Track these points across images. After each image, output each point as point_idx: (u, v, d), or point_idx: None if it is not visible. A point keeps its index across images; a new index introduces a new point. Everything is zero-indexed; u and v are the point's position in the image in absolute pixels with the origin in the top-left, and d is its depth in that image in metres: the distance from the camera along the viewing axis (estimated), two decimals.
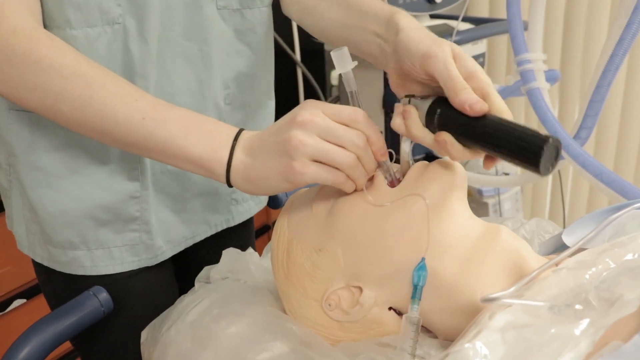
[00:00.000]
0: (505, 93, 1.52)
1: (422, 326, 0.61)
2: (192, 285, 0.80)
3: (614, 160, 2.08)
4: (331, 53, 0.60)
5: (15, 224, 0.84)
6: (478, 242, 0.58)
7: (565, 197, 2.08)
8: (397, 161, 0.63)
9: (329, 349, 0.58)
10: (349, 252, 0.60)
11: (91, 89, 0.64)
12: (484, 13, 2.12)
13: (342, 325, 0.61)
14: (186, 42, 0.79)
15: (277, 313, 0.65)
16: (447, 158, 0.59)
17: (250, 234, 1.07)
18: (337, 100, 1.91)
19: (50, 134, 0.75)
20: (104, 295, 0.78)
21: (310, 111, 0.58)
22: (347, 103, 0.62)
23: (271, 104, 0.97)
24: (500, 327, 0.47)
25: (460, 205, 0.60)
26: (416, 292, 0.57)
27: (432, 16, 1.80)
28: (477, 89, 0.56)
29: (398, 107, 0.61)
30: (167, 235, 0.86)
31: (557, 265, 0.55)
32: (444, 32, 1.66)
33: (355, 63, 0.61)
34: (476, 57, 1.74)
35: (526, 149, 0.50)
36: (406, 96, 0.61)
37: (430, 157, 1.71)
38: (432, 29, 1.69)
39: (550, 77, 1.21)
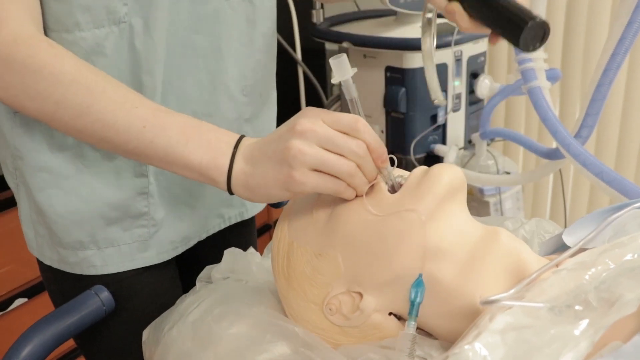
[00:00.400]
0: (506, 92, 1.53)
1: (422, 330, 0.61)
2: (194, 284, 0.80)
3: (615, 159, 2.07)
4: (330, 61, 0.60)
5: (24, 226, 0.84)
6: (477, 246, 0.58)
7: (567, 196, 2.08)
8: (399, 166, 0.63)
9: (331, 351, 0.58)
10: (349, 257, 0.60)
11: (91, 96, 0.64)
12: None
13: (342, 329, 0.62)
14: (195, 35, 0.79)
15: (278, 314, 0.65)
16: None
17: (251, 234, 1.07)
18: (337, 99, 1.91)
19: (56, 134, 0.75)
20: (105, 294, 0.78)
21: (310, 120, 0.58)
22: (347, 102, 0.62)
23: (274, 94, 0.98)
24: (500, 329, 0.47)
25: (458, 209, 0.60)
26: (413, 308, 0.57)
27: None
28: None
29: None
30: (179, 230, 0.86)
31: (557, 266, 0.55)
32: (445, 31, 1.66)
33: (355, 70, 0.61)
34: (477, 56, 1.74)
35: (512, 22, 0.60)
36: None
37: (430, 156, 1.71)
38: None
39: (551, 76, 1.21)
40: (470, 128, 1.81)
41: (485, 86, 1.71)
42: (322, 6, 1.89)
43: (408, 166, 1.64)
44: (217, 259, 0.80)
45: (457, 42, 1.59)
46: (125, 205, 0.80)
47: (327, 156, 0.57)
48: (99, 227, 0.80)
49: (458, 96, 1.73)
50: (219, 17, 0.80)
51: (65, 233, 0.79)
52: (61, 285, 0.85)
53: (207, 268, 0.81)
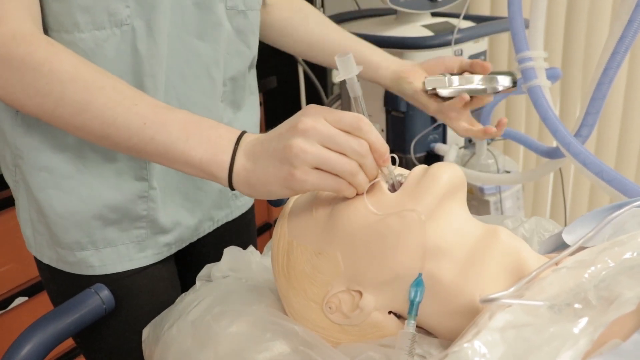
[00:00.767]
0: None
1: (422, 328, 0.61)
2: (194, 283, 0.80)
3: (615, 158, 2.07)
4: (336, 58, 0.60)
5: (23, 225, 0.84)
6: (476, 244, 0.58)
7: (567, 195, 2.08)
8: (399, 165, 0.63)
9: (331, 350, 0.58)
10: (349, 256, 0.60)
11: (90, 93, 0.64)
12: (485, 11, 2.12)
13: (342, 328, 0.62)
14: (198, 41, 0.80)
15: (278, 313, 0.65)
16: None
17: (251, 232, 1.07)
18: (338, 98, 1.91)
19: (57, 134, 0.75)
20: (105, 292, 0.78)
21: (312, 118, 0.57)
22: (348, 101, 0.62)
23: (254, 99, 0.99)
24: (499, 327, 0.47)
25: (458, 208, 0.60)
26: (412, 308, 0.57)
27: (434, 14, 1.79)
28: None
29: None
30: (174, 231, 0.86)
31: (557, 264, 0.55)
32: (445, 30, 1.66)
33: (361, 68, 0.60)
34: (477, 55, 1.74)
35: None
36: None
37: (430, 155, 1.71)
38: (433, 27, 1.69)
39: (552, 75, 1.21)
40: None
41: None
42: (322, 5, 1.89)
43: (408, 165, 1.64)
44: (217, 257, 0.81)
45: (458, 41, 1.59)
46: (124, 208, 0.80)
47: (328, 155, 0.57)
48: (97, 228, 0.80)
49: None
50: (219, 24, 0.81)
51: (64, 233, 0.79)
52: (60, 284, 0.85)
53: (207, 266, 0.81)
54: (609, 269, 0.50)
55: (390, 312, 0.61)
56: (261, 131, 0.95)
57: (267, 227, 2.04)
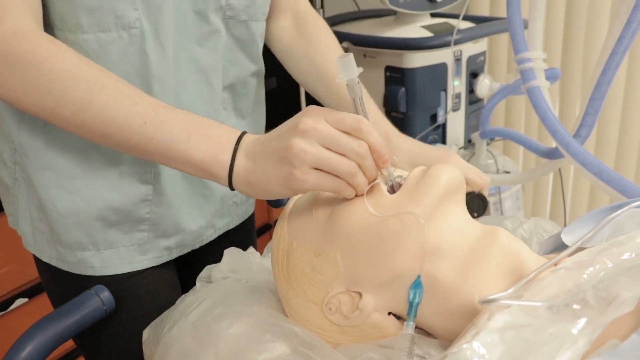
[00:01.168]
0: (505, 92, 1.53)
1: (421, 329, 0.61)
2: (194, 284, 0.80)
3: (615, 159, 2.08)
4: (337, 59, 0.59)
5: (21, 223, 0.84)
6: (476, 245, 0.58)
7: (566, 196, 2.08)
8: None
9: (330, 351, 0.58)
10: (348, 257, 0.60)
11: (91, 92, 0.64)
12: (484, 12, 2.12)
13: (342, 329, 0.62)
14: (199, 48, 0.80)
15: (278, 314, 0.65)
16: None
17: (251, 233, 1.07)
18: None
19: (64, 135, 0.76)
20: (105, 294, 0.78)
21: (312, 118, 0.58)
22: (351, 101, 0.62)
23: (261, 109, 0.99)
24: (498, 328, 0.47)
25: (457, 208, 0.61)
26: (411, 309, 0.57)
27: (433, 15, 1.80)
28: None
29: None
30: (176, 236, 0.87)
31: (555, 265, 0.55)
32: (445, 31, 1.67)
33: (361, 69, 0.60)
34: (477, 56, 1.74)
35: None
36: None
37: None
38: (432, 27, 1.69)
39: (551, 76, 1.21)
40: (470, 127, 1.81)
41: (485, 86, 1.71)
42: (322, 6, 1.89)
43: None
44: (217, 258, 0.81)
45: (457, 42, 1.59)
46: (127, 210, 0.80)
47: (328, 155, 0.57)
48: (99, 229, 0.80)
49: (458, 96, 1.73)
50: (218, 33, 0.81)
51: (66, 232, 0.79)
52: (60, 285, 0.85)
53: (207, 268, 0.81)
54: (608, 269, 0.50)
55: (389, 313, 0.61)
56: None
57: (267, 228, 2.04)
